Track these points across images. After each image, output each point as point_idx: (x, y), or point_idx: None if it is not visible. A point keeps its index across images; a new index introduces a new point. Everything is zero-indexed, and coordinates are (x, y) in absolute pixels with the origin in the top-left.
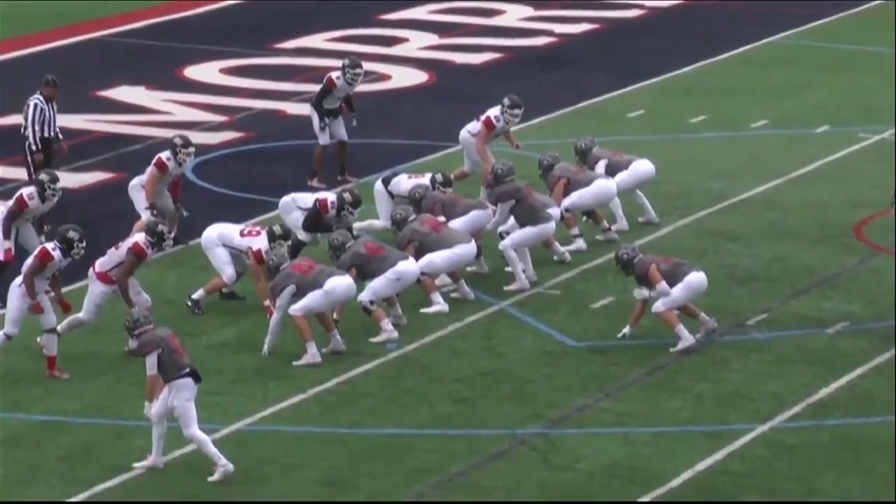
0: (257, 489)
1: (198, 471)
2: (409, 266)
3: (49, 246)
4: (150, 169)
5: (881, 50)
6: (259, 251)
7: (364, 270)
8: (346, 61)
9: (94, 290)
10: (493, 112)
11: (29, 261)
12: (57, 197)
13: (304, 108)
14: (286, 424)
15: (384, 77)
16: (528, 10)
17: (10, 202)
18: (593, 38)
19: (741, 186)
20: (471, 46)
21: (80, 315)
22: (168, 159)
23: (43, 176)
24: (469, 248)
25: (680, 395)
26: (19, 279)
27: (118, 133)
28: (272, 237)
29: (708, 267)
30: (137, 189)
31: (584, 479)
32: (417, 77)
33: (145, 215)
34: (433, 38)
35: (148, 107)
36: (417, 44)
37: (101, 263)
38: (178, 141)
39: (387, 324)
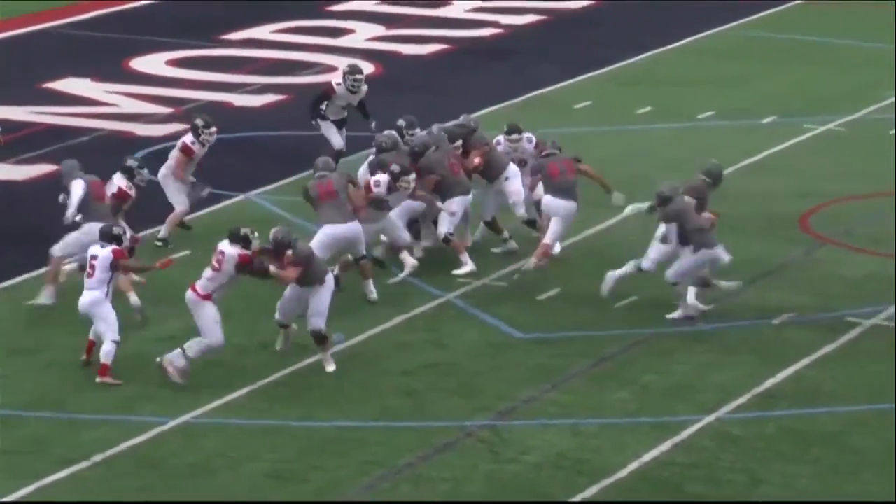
0: (206, 482)
1: (146, 462)
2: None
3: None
4: (176, 154)
5: (828, 40)
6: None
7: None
8: (346, 67)
9: (205, 311)
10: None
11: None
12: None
13: (252, 100)
14: (235, 417)
15: (331, 69)
16: (476, 2)
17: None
18: (541, 29)
19: (688, 177)
20: (418, 38)
21: (209, 341)
22: (192, 143)
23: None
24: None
25: (627, 386)
26: (96, 293)
27: (64, 125)
28: (394, 176)
29: None
30: (168, 178)
31: (532, 470)
32: (365, 68)
33: (180, 208)
34: (380, 30)
35: (94, 98)
36: (364, 35)
37: (202, 287)
38: (199, 122)
39: (466, 257)
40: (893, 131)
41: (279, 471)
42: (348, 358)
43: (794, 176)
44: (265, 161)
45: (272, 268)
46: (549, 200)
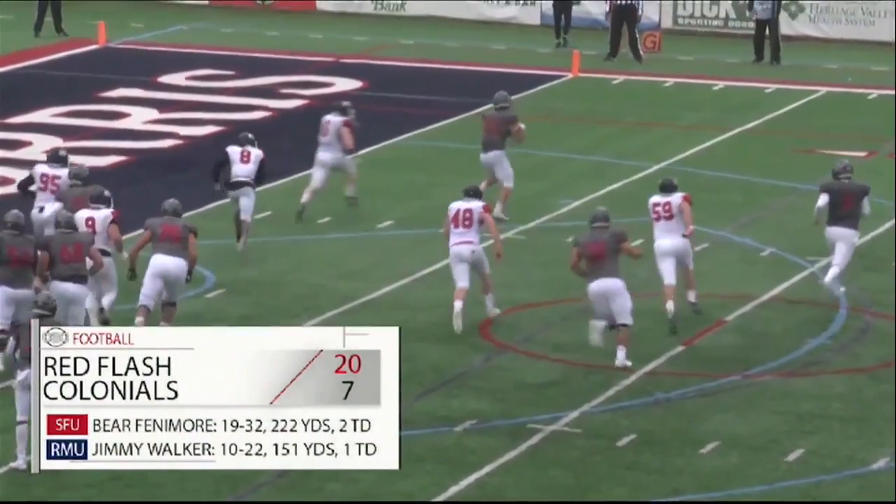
0: None
1: None
2: None
3: None
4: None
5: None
6: None
7: None
8: None
9: None
10: None
11: None
12: None
13: None
14: None
15: (7, 181)
16: (154, 113)
17: None
18: (219, 140)
19: (369, 287)
20: (96, 149)
21: None
22: None
23: None
24: None
25: (309, 496)
26: None
27: None
28: None
29: None
30: None
31: None
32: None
33: None
34: (57, 142)
35: None
36: (42, 147)
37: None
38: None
39: None
40: (570, 239)
41: None
42: None
43: (475, 285)
44: None
45: None
46: None
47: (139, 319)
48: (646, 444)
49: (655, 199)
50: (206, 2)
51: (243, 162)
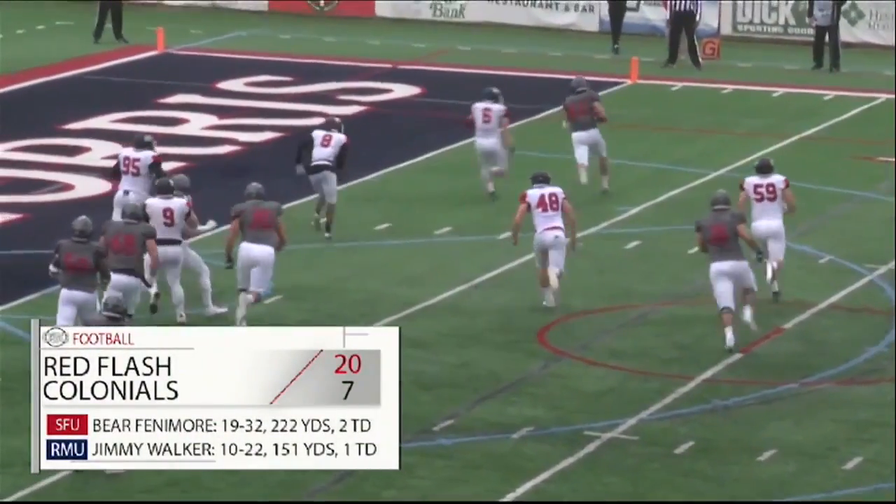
0: None
1: None
2: None
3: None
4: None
5: (560, 156)
6: None
7: None
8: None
9: None
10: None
11: None
12: None
13: None
14: None
15: (68, 187)
16: (213, 119)
17: None
18: (277, 146)
19: (427, 293)
20: None
21: None
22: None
23: None
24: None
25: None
26: None
27: None
28: None
29: None
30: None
31: None
32: (101, 186)
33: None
34: (116, 148)
35: None
36: (101, 153)
37: None
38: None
39: None
40: (628, 246)
41: None
42: None
43: (532, 290)
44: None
45: None
46: None
47: (241, 313)
48: (703, 452)
49: (756, 180)
50: (265, 8)
51: (324, 146)
